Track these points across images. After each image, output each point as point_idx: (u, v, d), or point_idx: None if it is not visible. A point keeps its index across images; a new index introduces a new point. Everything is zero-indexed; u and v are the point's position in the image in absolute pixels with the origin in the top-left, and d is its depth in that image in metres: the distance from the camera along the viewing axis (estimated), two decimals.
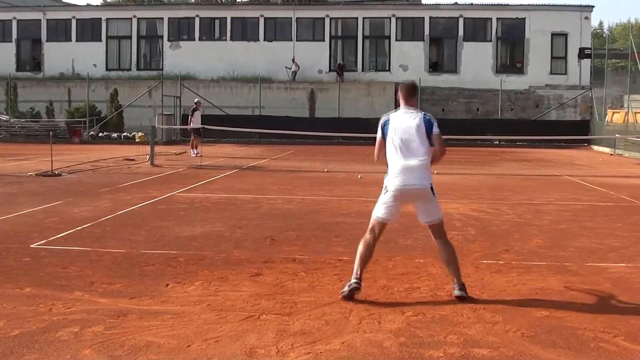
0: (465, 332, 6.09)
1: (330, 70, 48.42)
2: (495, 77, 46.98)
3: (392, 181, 7.35)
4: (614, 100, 43.64)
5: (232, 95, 45.68)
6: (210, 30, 50.65)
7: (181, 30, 50.82)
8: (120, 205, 13.97)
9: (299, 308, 6.77)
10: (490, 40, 48.79)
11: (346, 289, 7.09)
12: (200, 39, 50.35)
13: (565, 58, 48.33)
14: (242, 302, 6.96)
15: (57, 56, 50.08)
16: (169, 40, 50.65)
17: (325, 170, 22.57)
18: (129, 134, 40.63)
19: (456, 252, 7.59)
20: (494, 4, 49.09)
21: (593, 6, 48.48)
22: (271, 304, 6.90)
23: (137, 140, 38.56)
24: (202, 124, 29.66)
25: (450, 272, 7.44)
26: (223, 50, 48.97)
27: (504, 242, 10.64)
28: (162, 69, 48.97)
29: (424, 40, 48.75)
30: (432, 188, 7.36)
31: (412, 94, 7.67)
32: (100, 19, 51.07)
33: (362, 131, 32.09)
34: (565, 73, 48.04)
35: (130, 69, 50.56)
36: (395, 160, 7.34)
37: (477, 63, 47.69)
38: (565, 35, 48.09)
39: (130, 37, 51.08)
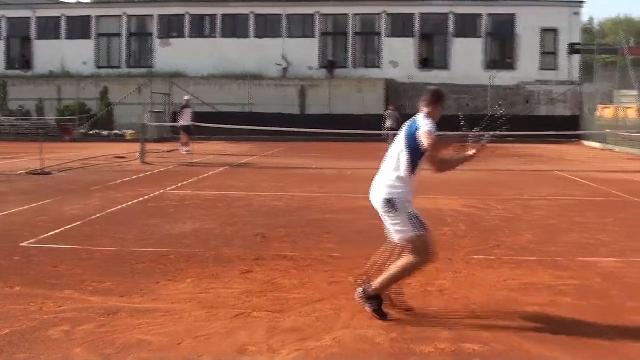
0: (456, 327, 6.10)
1: (320, 66, 48.36)
2: (485, 72, 46.98)
3: (409, 197, 6.78)
4: (603, 95, 43.70)
5: (222, 92, 45.56)
6: (200, 27, 50.52)
7: (171, 27, 50.67)
8: (110, 203, 13.94)
9: (290, 305, 6.77)
10: (480, 36, 48.79)
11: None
12: (190, 36, 50.21)
13: (554, 53, 48.38)
14: (233, 299, 6.96)
15: (47, 54, 49.88)
16: (158, 37, 50.49)
17: (315, 166, 22.57)
18: (119, 132, 40.53)
19: (404, 272, 6.46)
20: (484, 0, 49.11)
21: (583, 1, 48.53)
22: (262, 301, 6.89)
23: (127, 137, 38.47)
24: (192, 121, 29.62)
25: (379, 274, 6.56)
26: (213, 47, 48.84)
27: (495, 237, 10.65)
28: (152, 67, 48.86)
29: (414, 36, 48.73)
30: (390, 201, 6.58)
31: (431, 100, 6.92)
32: (90, 16, 50.87)
33: (352, 127, 32.19)
34: (555, 68, 48.09)
35: (120, 67, 50.38)
36: (413, 176, 6.85)
37: (467, 59, 47.69)
38: (554, 30, 48.14)
39: (119, 35, 50.90)
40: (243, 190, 16.45)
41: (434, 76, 47.04)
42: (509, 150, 33.73)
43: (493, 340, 5.76)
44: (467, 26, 48.88)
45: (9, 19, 51.63)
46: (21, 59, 52.19)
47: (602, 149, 35.50)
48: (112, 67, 50.07)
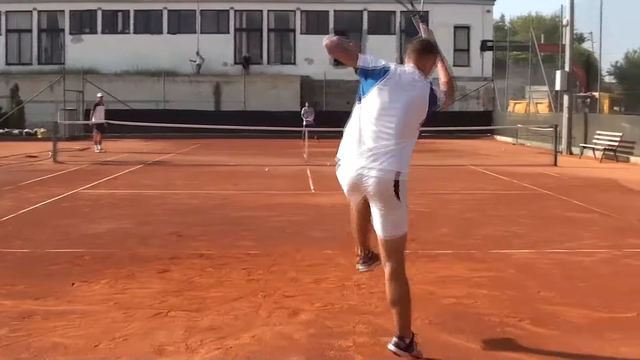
0: (374, 321, 6.15)
1: (235, 63, 48.22)
2: None
3: (341, 169, 5.55)
4: (515, 91, 44.59)
5: (136, 90, 45.01)
6: (113, 23, 49.86)
7: (83, 24, 49.88)
8: (22, 203, 13.64)
9: (208, 304, 6.72)
10: (395, 33, 49.30)
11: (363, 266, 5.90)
12: (102, 32, 49.51)
13: (467, 50, 49.24)
14: (150, 299, 6.88)
15: None
16: (70, 33, 49.65)
17: (232, 164, 22.48)
18: (30, 130, 39.67)
19: (410, 295, 5.39)
20: None
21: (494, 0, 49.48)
22: (179, 301, 6.84)
23: (39, 136, 37.72)
24: (106, 119, 29.22)
25: (394, 317, 5.32)
26: (126, 43, 48.23)
27: (411, 231, 10.64)
28: (64, 63, 47.99)
29: (328, 33, 48.89)
30: (397, 184, 5.19)
31: (429, 50, 6.06)
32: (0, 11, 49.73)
33: (268, 124, 32.14)
34: (468, 65, 48.92)
35: (31, 64, 49.38)
36: (357, 139, 5.39)
37: (381, 56, 46.44)
38: (467, 27, 48.98)
39: (30, 31, 49.89)
40: (158, 189, 16.29)
41: (349, 73, 46.49)
42: (424, 145, 34.11)
43: None
44: (381, 23, 49.39)
45: None
46: None
47: (514, 144, 36.29)
48: (22, 64, 49.04)
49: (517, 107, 41.56)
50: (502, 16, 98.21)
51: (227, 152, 28.22)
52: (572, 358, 5.47)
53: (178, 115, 38.65)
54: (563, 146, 29.09)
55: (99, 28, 49.61)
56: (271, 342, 5.65)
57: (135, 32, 49.35)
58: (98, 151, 28.05)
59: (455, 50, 49.09)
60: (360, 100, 5.39)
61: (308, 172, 19.80)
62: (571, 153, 28.92)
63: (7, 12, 49.66)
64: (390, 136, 5.19)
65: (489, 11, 49.51)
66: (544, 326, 6.09)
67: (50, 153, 24.18)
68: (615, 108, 37.84)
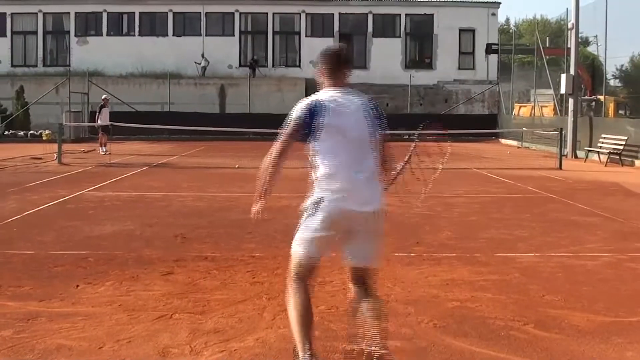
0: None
1: (240, 65, 48.24)
2: (404, 72, 47.52)
3: (329, 199, 5.09)
4: (520, 95, 44.60)
5: (141, 92, 45.10)
6: (118, 26, 49.94)
7: (88, 26, 49.96)
8: (27, 205, 13.66)
9: (212, 306, 6.73)
10: (399, 36, 49.33)
11: None
12: (108, 35, 49.60)
13: (473, 53, 49.22)
14: (154, 301, 6.89)
15: None
16: (76, 35, 49.74)
17: (237, 166, 22.49)
18: (35, 132, 39.71)
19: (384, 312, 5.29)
20: (403, 1, 49.61)
21: (500, 3, 49.50)
22: (184, 303, 6.84)
23: (44, 138, 37.74)
24: (110, 121, 29.26)
25: (373, 329, 4.90)
26: (131, 45, 48.31)
27: (415, 235, 10.77)
28: (69, 65, 48.10)
29: (333, 36, 48.97)
30: (383, 213, 5.17)
31: (346, 61, 5.58)
32: (5, 13, 49.73)
33: (273, 127, 32.08)
34: (473, 68, 48.92)
35: (36, 65, 49.48)
36: (341, 168, 5.12)
37: (386, 59, 48.15)
38: (472, 31, 48.96)
39: (36, 33, 49.98)
40: (163, 191, 16.31)
41: (353, 76, 46.43)
42: (428, 149, 34.09)
43: (415, 337, 5.82)
44: (386, 26, 49.39)
45: None
46: None
47: (519, 147, 36.27)
48: (28, 66, 49.14)
49: (522, 111, 41.53)
50: (507, 19, 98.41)
51: (232, 154, 28.23)
52: None
53: (183, 117, 38.65)
54: (568, 150, 29.08)
55: (104, 30, 49.68)
56: (275, 344, 5.65)
57: (140, 35, 49.41)
58: (103, 153, 28.08)
59: (461, 53, 49.14)
60: (312, 132, 5.11)
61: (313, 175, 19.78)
62: (576, 157, 28.89)
63: (12, 14, 49.74)
64: (369, 166, 5.11)
65: (494, 14, 49.51)
66: (548, 330, 6.09)
67: (55, 155, 24.20)
68: (620, 112, 37.75)
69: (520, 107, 42.24)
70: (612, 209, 13.78)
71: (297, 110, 5.12)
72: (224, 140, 35.86)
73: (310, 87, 45.43)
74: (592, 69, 40.81)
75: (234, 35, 49.42)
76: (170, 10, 49.27)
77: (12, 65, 49.04)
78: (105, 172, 20.68)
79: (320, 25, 49.29)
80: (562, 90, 30.37)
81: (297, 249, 5.22)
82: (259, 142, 36.46)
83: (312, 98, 5.14)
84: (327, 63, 5.39)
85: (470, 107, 47.41)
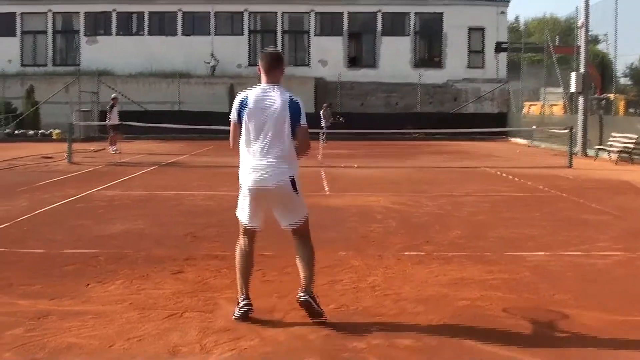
0: (388, 323, 6.15)
1: (249, 64, 48.23)
2: (413, 71, 47.51)
3: (245, 178, 6.29)
4: (530, 93, 44.49)
5: (151, 91, 45.19)
6: (127, 25, 50.05)
7: (98, 25, 50.08)
8: (38, 204, 13.70)
9: (222, 305, 6.74)
10: (409, 35, 49.31)
11: (238, 312, 6.21)
12: (117, 34, 49.72)
13: (482, 52, 49.16)
14: (165, 300, 6.90)
15: None
16: (85, 35, 49.86)
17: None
18: (45, 131, 39.83)
19: (314, 257, 6.52)
20: None
21: (509, 1, 49.46)
22: (194, 302, 6.85)
23: (54, 137, 37.86)
24: (120, 120, 29.32)
25: (302, 276, 6.30)
26: (141, 45, 48.40)
27: (425, 233, 10.76)
28: (79, 65, 48.23)
29: (342, 35, 48.98)
30: (293, 182, 6.22)
31: (276, 65, 6.41)
32: (15, 13, 49.88)
33: None
34: (483, 67, 48.86)
35: (46, 65, 49.62)
36: (249, 152, 6.25)
37: (395, 57, 48.12)
38: (482, 29, 48.90)
39: (45, 32, 50.11)
40: (173, 190, 16.33)
41: (363, 75, 47.41)
42: (437, 147, 34.11)
43: (425, 335, 5.82)
44: (395, 25, 49.36)
45: None
46: None
47: (528, 146, 36.19)
48: (38, 66, 49.28)
49: (532, 109, 41.43)
50: (517, 18, 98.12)
51: None
52: None
53: (192, 116, 38.70)
54: (578, 148, 28.99)
55: (114, 29, 49.80)
56: (285, 343, 5.66)
57: (149, 34, 49.51)
58: (113, 152, 28.14)
59: (470, 52, 49.09)
60: (240, 120, 6.27)
61: (322, 173, 19.81)
62: (586, 155, 28.81)
63: (22, 13, 49.89)
64: (273, 148, 6.15)
65: (503, 13, 49.44)
66: (558, 329, 6.09)
67: (65, 154, 24.29)
68: (630, 110, 37.66)
69: (530, 105, 42.14)
70: (623, 207, 13.75)
71: (234, 105, 6.35)
72: None
73: (320, 86, 45.55)
74: (602, 67, 40.73)
75: (243, 35, 49.48)
76: (180, 10, 49.34)
77: (22, 65, 49.19)
78: (115, 171, 20.73)
79: (329, 24, 49.31)
80: (572, 89, 30.27)
81: (239, 214, 6.53)
82: None
83: (243, 93, 6.35)
84: (262, 62, 6.44)
85: (480, 106, 47.36)
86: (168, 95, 44.94)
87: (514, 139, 40.34)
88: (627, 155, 25.01)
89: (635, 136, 25.02)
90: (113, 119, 29.42)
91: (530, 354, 5.46)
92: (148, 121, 33.52)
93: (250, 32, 49.77)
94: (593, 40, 41.97)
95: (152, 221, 11.84)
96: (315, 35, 49.22)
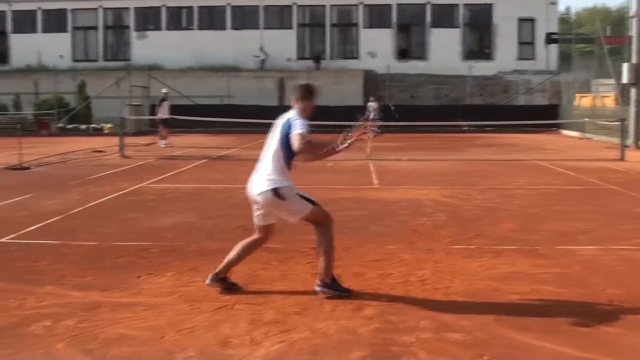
0: (438, 317, 6.13)
1: (298, 58, 48.25)
2: (463, 63, 47.14)
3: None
4: (581, 85, 43.91)
5: (201, 85, 45.40)
6: (177, 20, 50.36)
7: (148, 20, 50.49)
8: (89, 197, 13.88)
9: (272, 297, 6.77)
10: (458, 27, 48.94)
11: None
12: (167, 29, 50.05)
13: (532, 43, 48.60)
14: (215, 292, 6.95)
15: (23, 48, 49.52)
16: (135, 30, 50.30)
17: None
18: (97, 126, 40.27)
19: (330, 245, 6.96)
20: None
21: None
22: (244, 294, 6.90)
23: (105, 131, 38.25)
24: (170, 114, 29.54)
25: (319, 264, 6.92)
26: (190, 39, 48.68)
27: (475, 227, 10.69)
28: (129, 60, 48.67)
29: (391, 27, 48.79)
30: (276, 191, 6.90)
31: (300, 96, 7.07)
32: (66, 9, 50.52)
33: (330, 119, 32.11)
34: (533, 58, 48.31)
35: (97, 60, 50.15)
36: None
37: (445, 49, 47.79)
38: (532, 20, 48.34)
39: (96, 28, 50.68)
40: (223, 183, 16.43)
41: (412, 67, 47.17)
42: (488, 140, 33.87)
43: (475, 330, 5.79)
44: (444, 16, 49.00)
45: None
46: None
47: (580, 138, 35.72)
48: (89, 61, 49.85)
49: (583, 101, 40.86)
50: (568, 8, 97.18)
51: None
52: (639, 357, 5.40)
53: (242, 110, 38.79)
54: (630, 140, 28.55)
55: (164, 24, 50.15)
56: (335, 335, 5.67)
57: (199, 28, 49.76)
58: (164, 146, 28.38)
59: (520, 43, 48.56)
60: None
61: (371, 166, 19.79)
62: (638, 147, 28.38)
63: (73, 9, 50.48)
64: (267, 162, 7.12)
65: (553, 3, 48.79)
66: (609, 324, 6.01)
67: (116, 148, 24.53)
68: None
69: (581, 97, 41.57)
70: None
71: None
72: None
73: (369, 79, 45.44)
74: None
75: (292, 28, 49.51)
76: (229, 4, 49.50)
77: (74, 60, 49.79)
78: (165, 165, 20.91)
79: (378, 16, 49.10)
80: (624, 80, 29.81)
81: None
82: (316, 134, 36.54)
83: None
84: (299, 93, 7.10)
85: (531, 98, 46.86)
86: (217, 89, 45.11)
87: (564, 132, 39.85)
88: None
89: None
90: (163, 113, 29.64)
91: (580, 349, 5.41)
92: (198, 115, 33.71)
93: (299, 25, 49.79)
94: None
95: (202, 214, 11.93)
96: (364, 27, 49.05)
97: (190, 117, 31.83)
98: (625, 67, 29.46)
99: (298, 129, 6.73)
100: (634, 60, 29.29)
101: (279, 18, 49.56)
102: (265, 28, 49.01)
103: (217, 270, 7.04)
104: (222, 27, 49.48)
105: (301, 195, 7.06)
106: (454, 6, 48.72)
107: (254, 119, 31.05)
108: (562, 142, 32.75)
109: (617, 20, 54.10)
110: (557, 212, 12.25)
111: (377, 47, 48.19)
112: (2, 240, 9.68)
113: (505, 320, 6.07)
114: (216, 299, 6.69)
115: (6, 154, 23.54)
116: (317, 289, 6.82)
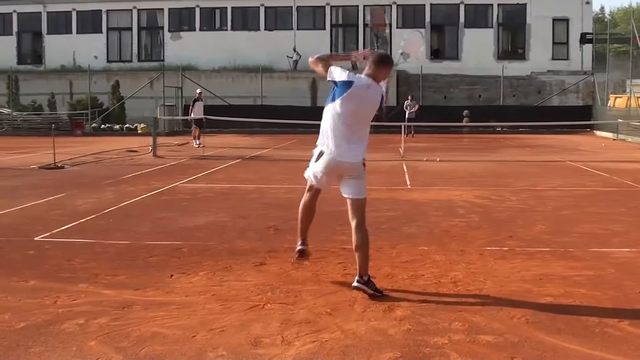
0: (469, 318, 6.10)
1: None
2: (497, 63, 46.94)
3: (330, 157, 7.34)
4: (616, 85, 43.56)
5: (234, 85, 45.64)
6: (211, 20, 50.64)
7: (182, 21, 50.82)
8: (123, 196, 13.98)
9: (304, 297, 6.77)
10: (492, 27, 48.75)
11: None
12: (201, 29, 50.36)
13: (566, 43, 48.29)
14: (247, 291, 6.97)
15: (58, 48, 50.08)
16: (169, 30, 50.66)
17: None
18: (131, 126, 40.63)
19: (369, 242, 7.17)
20: None
21: None
22: (276, 294, 6.90)
23: (139, 131, 38.54)
24: (204, 115, 29.67)
25: (357, 260, 7.07)
26: (224, 40, 48.93)
27: (508, 228, 10.63)
28: (163, 60, 49.00)
29: (425, 27, 48.66)
30: (364, 164, 7.42)
31: (384, 66, 7.26)
32: (101, 10, 51.04)
33: None
34: (567, 58, 48.00)
35: (131, 60, 50.59)
36: (337, 135, 7.20)
37: (478, 49, 47.61)
38: (566, 20, 48.03)
39: (130, 29, 51.10)
40: (256, 183, 16.47)
41: (445, 67, 47.04)
42: (521, 140, 33.66)
43: (507, 332, 5.76)
44: (478, 17, 48.86)
45: (20, 14, 51.87)
46: (33, 54, 52.47)
47: (614, 139, 35.41)
48: (123, 61, 50.30)
49: (618, 102, 40.50)
50: (602, 8, 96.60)
51: None
52: None
53: (275, 110, 38.90)
54: None
55: (197, 25, 50.45)
56: (366, 336, 5.66)
57: (232, 29, 50.01)
58: (197, 146, 28.50)
59: (554, 43, 48.28)
60: (333, 101, 7.09)
61: (404, 167, 19.75)
62: None
63: (108, 10, 50.97)
64: (358, 133, 7.21)
65: (588, 3, 48.43)
66: None
67: (150, 147, 24.71)
68: None
69: (615, 98, 41.22)
70: None
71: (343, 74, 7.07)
72: (315, 133, 35.64)
73: (402, 79, 45.35)
74: None
75: (325, 29, 49.58)
76: (262, 5, 49.70)
77: (108, 61, 50.26)
78: (198, 165, 21.01)
79: (411, 17, 49.05)
80: None
81: (308, 174, 7.72)
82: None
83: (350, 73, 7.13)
84: (371, 61, 7.26)
85: (565, 99, 46.56)
86: (251, 89, 45.31)
87: (598, 133, 39.54)
88: None
89: None
90: (196, 113, 29.79)
91: (613, 353, 5.35)
92: (231, 115, 33.86)
93: (332, 26, 49.86)
94: None
95: (235, 214, 11.97)
96: (398, 27, 48.97)
97: (224, 117, 31.95)
98: None
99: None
100: None
101: (312, 19, 49.67)
102: (299, 29, 49.13)
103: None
104: (256, 28, 49.68)
105: None
106: (488, 6, 48.54)
107: (286, 119, 31.17)
108: (596, 143, 32.48)
109: None
110: (591, 214, 12.14)
111: None
112: (37, 238, 9.78)
113: (537, 322, 6.03)
114: (247, 299, 6.71)
115: (41, 153, 23.79)
116: (355, 284, 6.94)
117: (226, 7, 50.12)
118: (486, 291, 7.02)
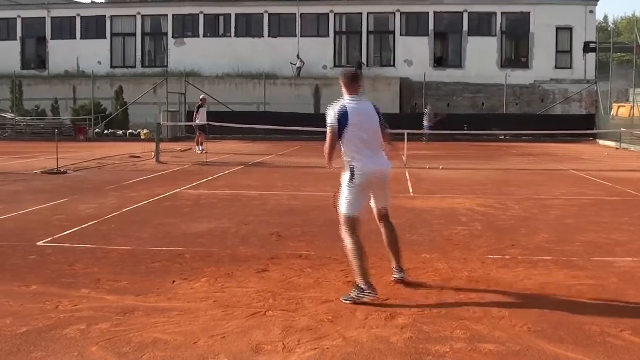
0: (471, 327, 6.09)
1: (335, 65, 48.32)
2: (500, 71, 46.94)
3: (362, 167, 7.35)
4: (619, 94, 43.55)
5: (237, 92, 45.70)
6: (214, 27, 50.69)
7: (185, 27, 50.89)
8: (125, 202, 13.99)
9: (305, 304, 6.77)
10: (495, 35, 48.75)
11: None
12: (204, 36, 50.42)
13: (570, 52, 48.27)
14: (249, 298, 6.97)
15: (62, 54, 50.18)
16: (173, 37, 50.72)
17: (333, 166, 22.55)
18: (134, 131, 40.68)
19: (399, 235, 7.86)
20: None
21: (597, 0, 48.44)
22: (277, 300, 6.90)
23: (142, 137, 38.59)
24: (207, 121, 29.69)
25: (391, 254, 7.73)
26: (227, 46, 48.98)
27: (510, 237, 10.62)
28: (166, 66, 49.09)
29: (428, 35, 48.70)
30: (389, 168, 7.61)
31: (357, 80, 7.58)
32: (105, 16, 51.14)
33: None
34: (570, 67, 47.98)
35: (135, 66, 50.66)
36: (361, 148, 7.38)
37: (481, 57, 47.63)
38: (570, 29, 48.02)
39: (134, 34, 51.16)
40: (258, 190, 16.47)
41: (449, 75, 47.06)
42: (524, 149, 33.66)
43: (508, 340, 5.75)
44: (481, 25, 48.88)
45: (24, 19, 51.99)
46: (36, 59, 52.55)
47: (617, 148, 35.38)
48: (127, 67, 50.37)
49: (621, 111, 40.48)
50: (605, 17, 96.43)
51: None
52: None
53: (278, 117, 38.94)
54: None
55: (201, 31, 50.51)
56: (368, 344, 5.65)
57: (236, 36, 50.06)
58: (199, 152, 28.51)
59: (557, 51, 48.26)
60: (342, 129, 7.39)
61: (407, 174, 19.74)
62: None
63: (111, 16, 51.09)
64: (375, 143, 7.45)
65: (591, 12, 48.43)
66: None
67: (152, 153, 24.71)
68: None
69: (618, 106, 41.20)
70: None
71: (331, 116, 7.43)
72: (318, 140, 35.61)
73: (405, 87, 45.39)
74: None
75: (328, 36, 49.62)
76: (266, 12, 49.75)
77: (112, 66, 50.33)
78: (201, 171, 21.02)
79: (415, 24, 49.07)
80: None
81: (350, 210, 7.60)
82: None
83: (335, 106, 7.43)
84: (345, 79, 7.58)
85: (567, 107, 46.56)
86: (254, 96, 45.37)
87: (601, 141, 39.51)
88: None
89: None
90: (199, 119, 29.81)
91: None
92: (234, 121, 33.90)
93: (335, 33, 49.88)
94: None
95: (237, 220, 11.96)
96: (401, 35, 49.03)
97: (227, 123, 31.97)
98: None
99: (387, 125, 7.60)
100: None
101: (315, 26, 49.72)
102: (302, 36, 49.16)
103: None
104: (259, 35, 49.73)
105: None
106: (491, 14, 48.56)
107: (289, 126, 31.19)
108: (598, 152, 32.46)
109: None
110: (594, 222, 12.13)
111: (414, 55, 48.16)
112: (39, 243, 9.78)
113: (539, 331, 6.02)
114: (249, 305, 6.71)
115: (44, 158, 23.82)
116: (396, 275, 7.65)
117: (230, 14, 50.17)
118: (488, 299, 7.01)
